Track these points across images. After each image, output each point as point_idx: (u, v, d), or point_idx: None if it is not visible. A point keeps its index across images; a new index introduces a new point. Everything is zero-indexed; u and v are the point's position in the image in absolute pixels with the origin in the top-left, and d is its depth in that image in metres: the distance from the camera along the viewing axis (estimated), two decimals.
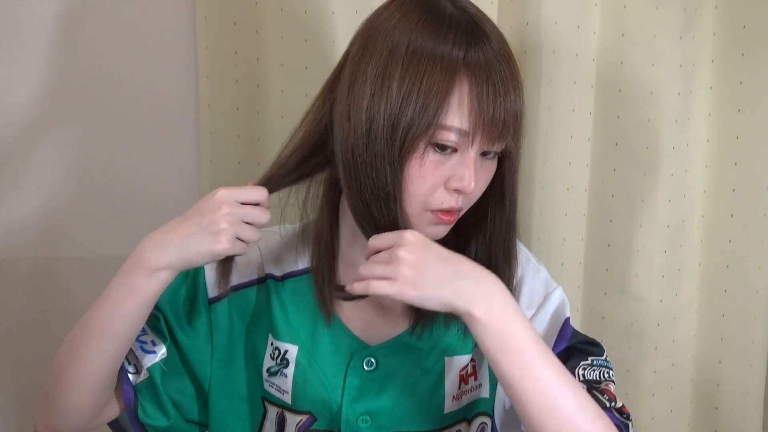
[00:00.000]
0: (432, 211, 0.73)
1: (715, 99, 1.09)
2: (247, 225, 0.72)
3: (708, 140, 1.11)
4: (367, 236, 0.74)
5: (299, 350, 0.82)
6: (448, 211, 0.74)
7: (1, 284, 1.07)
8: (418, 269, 0.67)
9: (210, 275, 0.84)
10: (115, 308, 0.73)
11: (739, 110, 1.08)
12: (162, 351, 0.82)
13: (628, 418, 0.74)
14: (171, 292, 0.85)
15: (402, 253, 0.68)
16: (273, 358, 0.83)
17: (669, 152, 1.07)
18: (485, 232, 0.80)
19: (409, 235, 0.69)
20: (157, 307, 0.84)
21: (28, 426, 1.12)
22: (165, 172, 1.09)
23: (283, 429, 0.83)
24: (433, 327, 0.81)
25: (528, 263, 0.85)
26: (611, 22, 1.07)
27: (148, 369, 0.81)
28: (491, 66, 0.70)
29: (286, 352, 0.82)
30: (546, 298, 0.83)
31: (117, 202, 1.08)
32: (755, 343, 1.13)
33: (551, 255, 1.11)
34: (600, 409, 0.69)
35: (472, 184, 0.71)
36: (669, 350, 1.14)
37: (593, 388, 0.76)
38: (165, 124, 1.09)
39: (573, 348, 0.80)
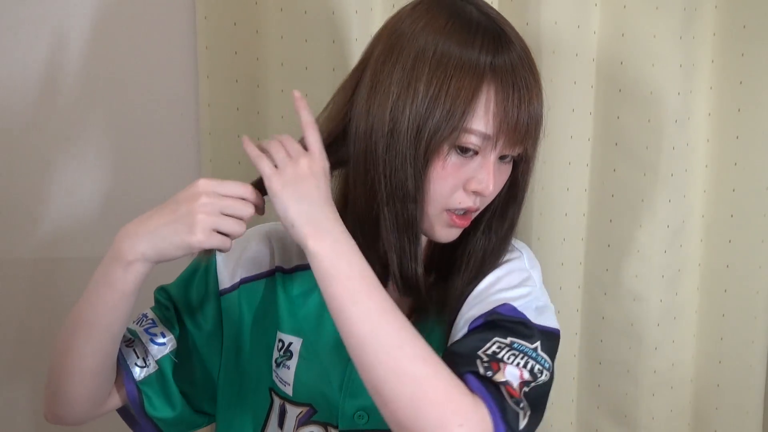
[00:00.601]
0: (449, 211, 0.75)
1: (715, 99, 1.09)
2: (229, 217, 0.70)
3: (708, 140, 1.11)
4: (364, 234, 0.75)
5: (303, 343, 0.82)
6: (463, 215, 0.76)
7: (1, 284, 1.07)
8: (296, 179, 0.69)
9: (222, 266, 0.85)
10: (97, 301, 0.72)
11: (739, 110, 1.08)
12: (172, 343, 0.83)
13: (505, 399, 0.64)
14: (182, 283, 0.86)
15: (304, 162, 0.70)
16: (279, 350, 0.83)
17: (669, 152, 1.07)
18: (488, 227, 0.81)
19: (317, 152, 0.72)
20: (168, 298, 0.85)
21: (28, 426, 1.12)
22: (165, 172, 1.09)
23: (284, 420, 0.84)
24: (429, 327, 0.81)
25: (519, 263, 0.82)
26: (611, 22, 1.07)
27: (157, 361, 0.81)
28: (517, 72, 0.71)
29: (290, 344, 0.83)
30: (512, 288, 0.79)
31: (117, 202, 1.08)
32: (755, 343, 1.13)
33: (551, 255, 1.11)
34: (430, 352, 0.64)
35: (491, 187, 0.73)
36: (669, 350, 1.14)
37: (490, 358, 0.68)
38: (165, 124, 1.09)
39: (494, 322, 0.73)
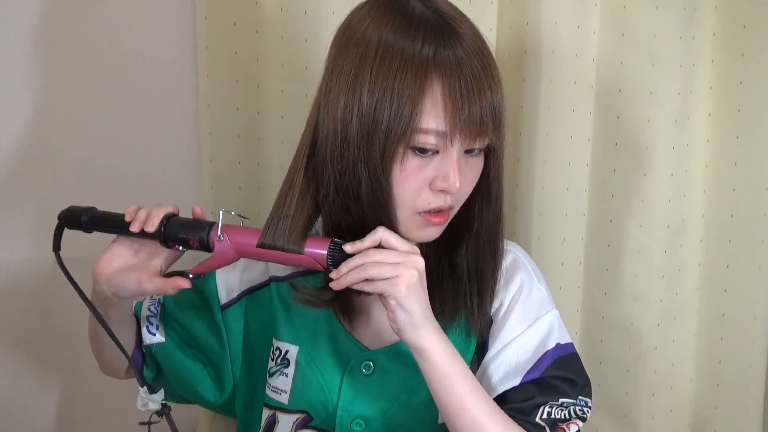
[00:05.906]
0: (421, 213, 0.73)
1: (715, 99, 1.09)
2: None
3: (708, 140, 1.11)
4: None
5: (299, 350, 0.82)
6: (437, 213, 0.73)
7: (1, 284, 1.07)
8: (409, 290, 0.69)
9: (220, 283, 0.86)
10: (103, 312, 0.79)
11: (739, 110, 1.08)
12: (159, 340, 0.85)
13: None
14: (178, 300, 0.88)
15: (411, 273, 0.69)
16: (273, 359, 0.83)
17: (669, 152, 1.07)
18: (473, 227, 0.78)
19: (419, 261, 0.70)
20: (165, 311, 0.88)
21: (27, 426, 1.12)
22: (165, 172, 1.09)
23: (273, 430, 0.84)
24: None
25: (529, 280, 0.83)
26: (611, 22, 1.07)
27: (145, 346, 0.87)
28: (462, 64, 0.68)
29: (287, 352, 0.82)
30: (536, 320, 0.81)
31: (117, 202, 1.08)
32: (755, 343, 1.13)
33: (551, 255, 1.11)
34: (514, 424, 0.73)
35: (457, 184, 0.71)
36: (669, 350, 1.14)
37: (554, 424, 0.76)
38: (165, 124, 1.08)
39: (544, 381, 0.78)
